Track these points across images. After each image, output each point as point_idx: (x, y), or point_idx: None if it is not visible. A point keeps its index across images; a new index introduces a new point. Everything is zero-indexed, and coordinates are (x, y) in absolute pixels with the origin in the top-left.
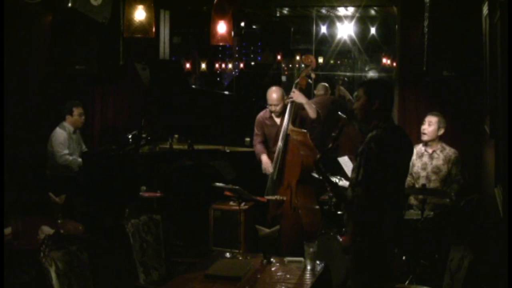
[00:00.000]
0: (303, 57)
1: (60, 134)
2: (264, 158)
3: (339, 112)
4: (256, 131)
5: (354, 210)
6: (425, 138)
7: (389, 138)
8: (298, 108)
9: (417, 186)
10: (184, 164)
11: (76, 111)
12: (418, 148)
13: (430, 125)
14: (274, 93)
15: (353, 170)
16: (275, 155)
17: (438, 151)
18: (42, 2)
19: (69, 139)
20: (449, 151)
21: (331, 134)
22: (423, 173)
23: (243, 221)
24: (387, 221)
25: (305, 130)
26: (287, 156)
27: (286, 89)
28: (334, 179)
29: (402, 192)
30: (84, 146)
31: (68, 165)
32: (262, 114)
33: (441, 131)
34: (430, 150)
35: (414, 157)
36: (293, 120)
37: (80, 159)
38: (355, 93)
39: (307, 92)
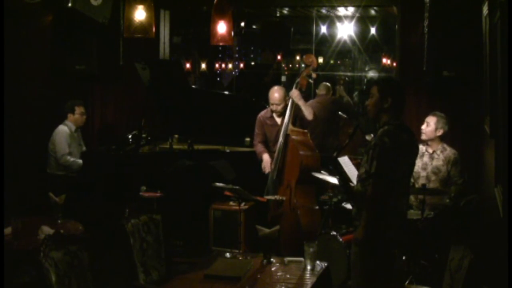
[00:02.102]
0: (304, 57)
1: (63, 132)
2: (266, 157)
3: (339, 112)
4: (256, 130)
5: (367, 202)
6: (423, 137)
7: (401, 134)
8: (297, 109)
9: (417, 186)
10: (184, 164)
11: (78, 109)
12: (419, 148)
13: (428, 126)
14: (276, 93)
15: (362, 164)
16: (275, 154)
17: (438, 152)
18: (42, 2)
19: (71, 137)
20: (449, 151)
21: (332, 134)
22: (423, 173)
23: (243, 221)
24: (395, 216)
25: (305, 130)
26: (287, 156)
27: (287, 89)
28: (334, 179)
29: (408, 189)
30: (84, 146)
31: (69, 166)
32: (263, 114)
33: (440, 132)
34: (430, 150)
35: None
36: (293, 120)
37: (80, 161)
38: (355, 93)
39: (308, 92)
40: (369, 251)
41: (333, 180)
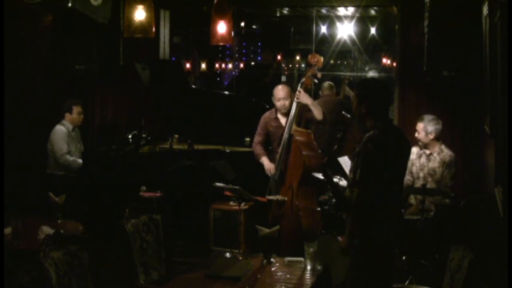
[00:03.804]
0: (309, 56)
1: (60, 131)
2: (266, 161)
3: (343, 112)
4: (259, 130)
5: (352, 210)
6: (419, 143)
7: (386, 138)
8: (303, 110)
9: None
10: (184, 164)
11: (76, 109)
12: (418, 149)
13: (418, 133)
14: (281, 90)
15: (350, 170)
16: (278, 154)
17: (435, 154)
18: (42, 2)
19: (68, 137)
20: (446, 154)
21: (336, 135)
22: (421, 174)
23: (243, 221)
24: (386, 221)
25: (309, 131)
26: (290, 156)
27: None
28: (334, 179)
29: (400, 191)
30: (82, 146)
31: (69, 165)
32: (267, 115)
33: (432, 135)
34: (427, 152)
35: (414, 156)
36: (298, 121)
37: (80, 160)
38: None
39: (309, 92)
40: (364, 257)
41: (334, 180)
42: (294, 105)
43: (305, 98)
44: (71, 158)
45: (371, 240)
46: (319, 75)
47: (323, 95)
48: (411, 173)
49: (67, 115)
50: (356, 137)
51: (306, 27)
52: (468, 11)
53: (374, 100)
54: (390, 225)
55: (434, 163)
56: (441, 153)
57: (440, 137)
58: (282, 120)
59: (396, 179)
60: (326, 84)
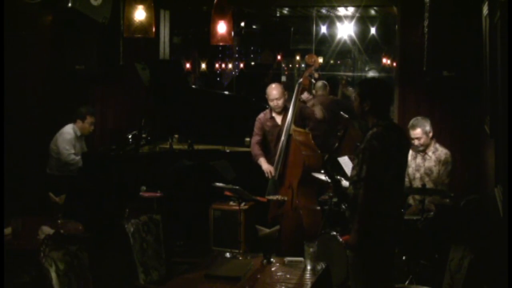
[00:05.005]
0: (306, 56)
1: (68, 134)
2: (264, 163)
3: (341, 112)
4: (256, 131)
5: (359, 207)
6: (420, 148)
7: (390, 135)
8: (300, 109)
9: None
10: (184, 164)
11: (89, 119)
12: (412, 150)
13: (419, 139)
14: (274, 90)
15: (353, 167)
16: (277, 154)
17: (430, 153)
18: (42, 2)
19: (75, 141)
20: (441, 152)
21: (334, 134)
22: (417, 175)
23: (243, 221)
24: (387, 220)
25: (307, 130)
26: (289, 156)
27: (287, 89)
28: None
29: (401, 190)
30: (85, 148)
31: (74, 164)
32: (262, 116)
33: (431, 134)
34: (422, 152)
35: (409, 158)
36: (297, 120)
37: (81, 161)
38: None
39: (310, 92)
40: (366, 256)
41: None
42: (292, 105)
43: (308, 100)
44: (77, 157)
45: (375, 236)
46: (316, 75)
47: (317, 95)
48: (408, 174)
49: (79, 122)
50: (353, 136)
51: (306, 27)
52: (468, 11)
53: (376, 98)
54: (391, 224)
55: (430, 162)
56: (436, 152)
57: (433, 136)
58: (278, 118)
59: (398, 177)
60: (320, 83)
